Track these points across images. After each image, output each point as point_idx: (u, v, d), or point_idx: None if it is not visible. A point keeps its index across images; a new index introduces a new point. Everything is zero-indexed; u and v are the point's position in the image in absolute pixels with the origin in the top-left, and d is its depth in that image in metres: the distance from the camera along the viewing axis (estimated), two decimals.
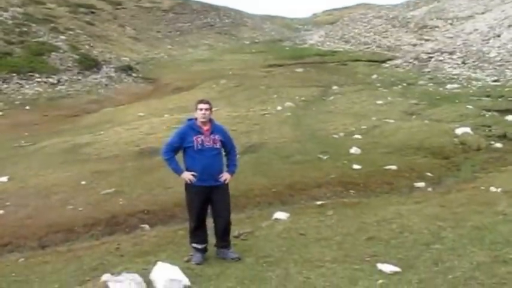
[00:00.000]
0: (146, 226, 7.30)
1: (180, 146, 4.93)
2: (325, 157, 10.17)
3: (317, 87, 20.36)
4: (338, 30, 36.59)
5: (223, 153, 5.07)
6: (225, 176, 4.94)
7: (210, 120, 4.95)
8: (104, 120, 17.07)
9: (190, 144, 4.85)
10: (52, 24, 31.23)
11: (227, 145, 5.04)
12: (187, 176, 4.84)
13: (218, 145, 4.91)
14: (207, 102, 4.93)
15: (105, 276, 4.34)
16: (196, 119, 4.92)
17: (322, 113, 14.89)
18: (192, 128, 4.91)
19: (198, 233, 4.98)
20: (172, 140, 4.97)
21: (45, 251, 6.54)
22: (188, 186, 4.91)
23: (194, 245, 5.01)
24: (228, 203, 5.00)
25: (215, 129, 4.96)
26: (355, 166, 9.36)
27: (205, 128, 4.89)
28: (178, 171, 4.95)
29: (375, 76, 22.98)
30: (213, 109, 5.11)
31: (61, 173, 9.88)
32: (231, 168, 5.06)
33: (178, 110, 16.65)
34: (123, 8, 42.35)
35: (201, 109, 4.83)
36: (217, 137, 4.90)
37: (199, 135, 4.85)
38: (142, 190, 8.50)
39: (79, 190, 8.76)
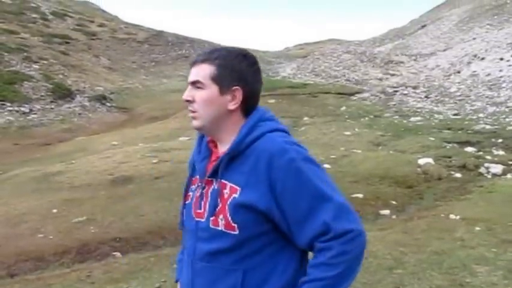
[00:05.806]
0: (118, 253, 7.25)
1: None
2: None
3: (289, 117, 20.72)
4: (309, 63, 37.54)
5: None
6: None
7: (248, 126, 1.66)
8: (76, 149, 16.83)
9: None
10: (25, 54, 30.94)
11: (290, 221, 1.54)
12: None
13: (229, 227, 1.50)
14: (204, 60, 1.67)
15: None
16: None
17: None
18: (199, 149, 1.81)
19: None
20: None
21: (13, 280, 6.40)
22: None
23: None
24: None
25: (251, 155, 1.56)
26: None
27: (216, 149, 1.73)
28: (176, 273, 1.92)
29: (343, 108, 23.55)
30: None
31: (32, 201, 9.71)
32: None
33: (153, 139, 16.58)
34: (98, 39, 42.37)
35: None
36: (233, 186, 1.53)
37: (195, 177, 1.75)
38: (114, 218, 8.45)
39: (50, 218, 8.61)
